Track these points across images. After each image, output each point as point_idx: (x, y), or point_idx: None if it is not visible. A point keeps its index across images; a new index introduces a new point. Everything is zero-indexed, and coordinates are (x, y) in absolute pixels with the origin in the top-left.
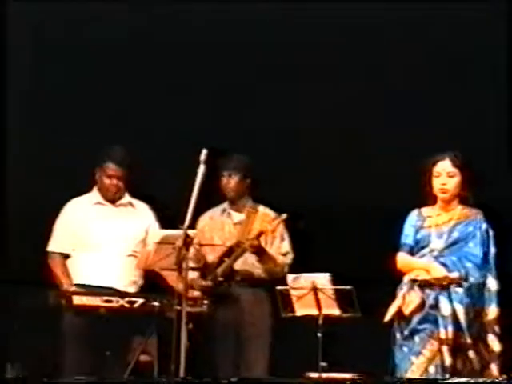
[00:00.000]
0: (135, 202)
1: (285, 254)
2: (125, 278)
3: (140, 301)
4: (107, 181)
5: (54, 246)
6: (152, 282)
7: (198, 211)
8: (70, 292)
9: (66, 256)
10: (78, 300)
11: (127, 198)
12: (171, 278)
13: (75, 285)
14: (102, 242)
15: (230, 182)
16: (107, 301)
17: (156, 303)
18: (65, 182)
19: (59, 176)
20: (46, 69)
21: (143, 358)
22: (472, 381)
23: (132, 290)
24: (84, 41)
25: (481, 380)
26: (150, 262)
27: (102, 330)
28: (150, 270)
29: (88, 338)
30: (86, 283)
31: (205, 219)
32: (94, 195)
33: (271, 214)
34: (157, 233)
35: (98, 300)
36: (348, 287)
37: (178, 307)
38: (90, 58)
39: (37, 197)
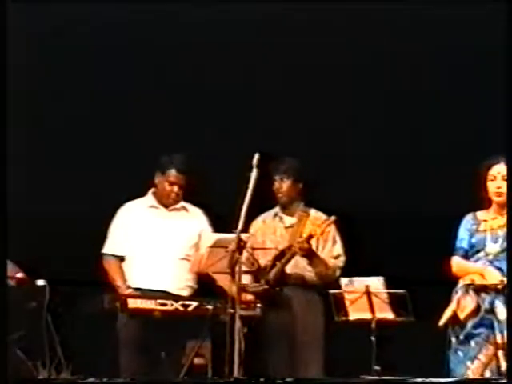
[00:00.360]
0: (188, 206)
1: (336, 257)
2: (178, 281)
3: (194, 304)
4: (168, 187)
5: (109, 248)
6: (205, 286)
7: (251, 215)
8: (125, 295)
9: (121, 258)
10: (132, 303)
11: (181, 202)
12: (224, 281)
13: (130, 288)
14: (155, 245)
15: (282, 186)
16: (162, 304)
17: (210, 306)
18: (120, 184)
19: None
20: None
21: (197, 360)
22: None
23: (185, 293)
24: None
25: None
26: (203, 266)
27: (156, 333)
28: (203, 273)
29: (142, 341)
30: (140, 286)
31: (257, 223)
32: (149, 199)
33: (322, 216)
34: (210, 236)
35: (153, 303)
36: (402, 291)
37: (232, 310)
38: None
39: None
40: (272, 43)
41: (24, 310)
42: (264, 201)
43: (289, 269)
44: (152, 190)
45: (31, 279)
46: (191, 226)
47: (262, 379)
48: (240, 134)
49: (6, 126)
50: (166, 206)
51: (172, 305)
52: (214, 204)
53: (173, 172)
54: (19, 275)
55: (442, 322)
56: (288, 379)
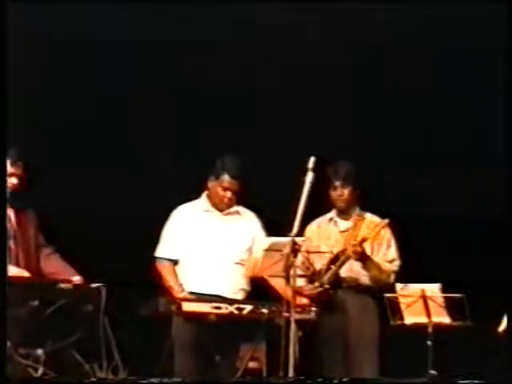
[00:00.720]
0: (242, 210)
1: (391, 261)
2: (232, 285)
3: (249, 307)
4: (222, 192)
5: (162, 251)
6: (259, 289)
7: (306, 219)
8: (180, 298)
9: (175, 262)
10: (188, 306)
11: (235, 206)
12: (279, 285)
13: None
14: (209, 249)
15: (344, 192)
16: (217, 307)
17: (265, 310)
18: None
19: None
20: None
21: (252, 364)
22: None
23: (239, 297)
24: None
25: None
26: (258, 269)
27: (211, 336)
28: (257, 277)
29: (197, 343)
30: (196, 291)
31: (312, 228)
32: (203, 202)
33: (377, 220)
34: (264, 240)
35: (208, 306)
36: (459, 295)
37: (287, 314)
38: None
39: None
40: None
41: (81, 312)
42: (318, 204)
43: (343, 272)
44: (206, 192)
45: (88, 282)
46: (245, 230)
47: (319, 379)
48: (293, 136)
49: (6, 126)
50: (221, 210)
51: (227, 308)
52: (267, 208)
53: (226, 177)
54: (76, 278)
55: (501, 327)
56: (344, 379)
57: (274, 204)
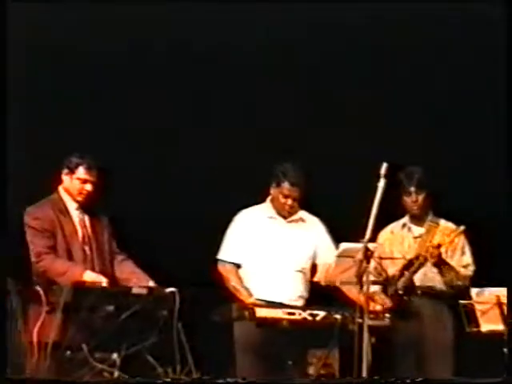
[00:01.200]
0: (306, 216)
1: (466, 266)
2: (292, 292)
3: (322, 314)
4: (283, 200)
5: (225, 254)
6: (325, 295)
7: (378, 224)
8: (252, 304)
9: (237, 265)
10: (260, 312)
11: (299, 213)
12: (351, 291)
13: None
14: (272, 256)
15: (417, 198)
16: (290, 313)
17: (338, 316)
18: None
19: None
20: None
21: (324, 370)
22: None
23: (299, 304)
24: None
25: None
26: (330, 275)
27: (283, 341)
28: (330, 283)
29: (269, 348)
30: (257, 297)
31: (386, 233)
32: (268, 208)
33: (451, 226)
34: (328, 242)
35: (281, 312)
36: None
37: (360, 320)
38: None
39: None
40: None
41: (155, 317)
42: (390, 210)
43: (417, 278)
44: (269, 198)
45: (161, 287)
46: (309, 237)
47: (392, 379)
48: (363, 142)
49: (7, 126)
50: (284, 217)
51: (300, 314)
52: (334, 213)
53: (286, 185)
54: (149, 284)
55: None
56: (417, 379)
57: (343, 210)
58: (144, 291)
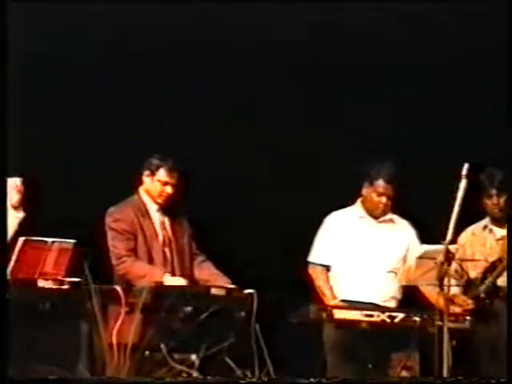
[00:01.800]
0: (396, 218)
1: None
2: (384, 293)
3: (401, 316)
4: (376, 198)
5: (315, 257)
6: (411, 297)
7: (458, 226)
8: (331, 306)
9: (328, 268)
10: (339, 314)
11: (389, 214)
12: (432, 293)
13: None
14: (364, 256)
15: (499, 201)
16: (368, 315)
17: (417, 318)
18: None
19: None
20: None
21: (405, 373)
22: None
23: (391, 305)
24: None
25: None
26: (411, 277)
27: (362, 343)
28: (410, 284)
29: (348, 350)
30: (347, 298)
31: (467, 235)
32: (358, 209)
33: None
34: (418, 248)
35: (359, 314)
36: None
37: (440, 323)
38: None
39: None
40: None
41: (233, 318)
42: (470, 211)
43: (501, 281)
44: (360, 199)
45: (240, 288)
46: (399, 238)
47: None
48: (441, 143)
49: (7, 126)
50: (375, 218)
51: (378, 316)
52: (419, 215)
53: (381, 183)
54: (228, 285)
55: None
56: (502, 379)
57: (423, 211)
58: (222, 292)
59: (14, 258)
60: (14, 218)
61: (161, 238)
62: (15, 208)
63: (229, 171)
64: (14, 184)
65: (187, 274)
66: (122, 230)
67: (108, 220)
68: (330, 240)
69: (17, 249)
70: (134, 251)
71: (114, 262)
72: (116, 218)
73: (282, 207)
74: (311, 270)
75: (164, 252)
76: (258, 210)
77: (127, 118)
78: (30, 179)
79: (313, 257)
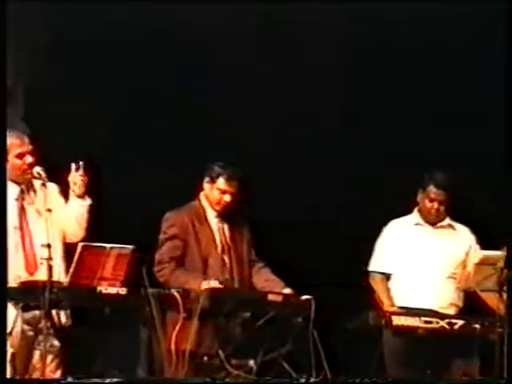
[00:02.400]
0: (455, 224)
1: None
2: (444, 299)
3: (460, 322)
4: (429, 204)
5: (375, 265)
6: (471, 304)
7: None
8: (389, 312)
9: (387, 276)
10: (397, 320)
11: (447, 220)
12: (492, 299)
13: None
14: (422, 263)
15: None
16: (427, 322)
17: (477, 325)
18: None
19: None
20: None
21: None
22: None
23: (451, 312)
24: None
25: None
26: (470, 283)
27: (421, 350)
28: (469, 290)
29: (407, 357)
30: (406, 304)
31: None
32: (415, 216)
33: None
34: (477, 253)
35: (418, 321)
36: None
37: (500, 329)
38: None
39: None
40: None
41: (290, 324)
42: None
43: None
44: (417, 207)
45: (297, 294)
46: (458, 244)
47: None
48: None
49: (6, 126)
50: (432, 224)
51: (437, 323)
52: (477, 220)
53: (432, 188)
54: (286, 290)
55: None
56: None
57: (482, 217)
58: (279, 298)
59: (73, 263)
60: (79, 206)
61: (219, 244)
62: (79, 196)
63: (291, 177)
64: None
65: (245, 280)
66: (172, 236)
67: (163, 224)
68: (388, 248)
69: (76, 254)
70: (177, 259)
71: (154, 267)
72: (170, 223)
73: (342, 214)
74: (371, 278)
75: (222, 258)
76: (317, 217)
77: (195, 121)
78: (91, 166)
79: (372, 265)
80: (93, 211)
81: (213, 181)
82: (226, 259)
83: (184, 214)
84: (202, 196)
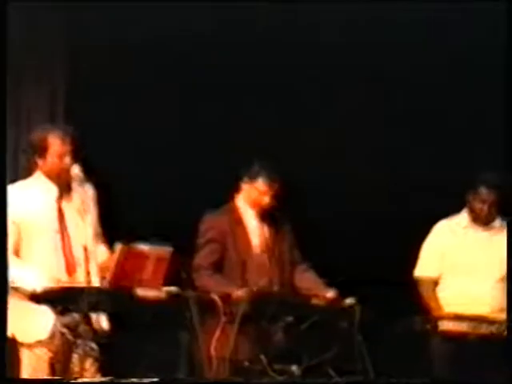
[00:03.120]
0: (506, 225)
1: None
2: (494, 304)
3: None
4: (479, 205)
5: (422, 269)
6: None
7: None
8: (436, 317)
9: (435, 280)
10: (444, 325)
11: (498, 221)
12: None
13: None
14: (471, 266)
15: None
16: (475, 327)
17: None
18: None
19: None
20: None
21: None
22: None
23: (502, 316)
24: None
25: None
26: None
27: (470, 356)
28: None
29: (455, 363)
30: (455, 310)
31: None
32: (464, 218)
33: None
34: None
35: (466, 326)
36: None
37: None
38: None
39: None
40: None
41: (335, 329)
42: None
43: None
44: (467, 208)
45: (342, 298)
46: (509, 246)
47: None
48: None
49: (6, 127)
50: (483, 226)
51: (487, 328)
52: None
53: (482, 190)
54: (329, 294)
55: None
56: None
57: None
58: (323, 302)
59: (112, 266)
60: None
61: (258, 246)
62: None
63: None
64: None
65: (286, 283)
66: (210, 239)
67: (200, 227)
68: (436, 251)
69: (115, 257)
70: (216, 264)
71: (192, 272)
72: (208, 225)
73: (388, 214)
74: (417, 281)
75: (261, 262)
76: (362, 216)
77: (233, 123)
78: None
79: (419, 268)
80: None
81: (251, 181)
82: (265, 262)
83: (221, 217)
84: (240, 197)
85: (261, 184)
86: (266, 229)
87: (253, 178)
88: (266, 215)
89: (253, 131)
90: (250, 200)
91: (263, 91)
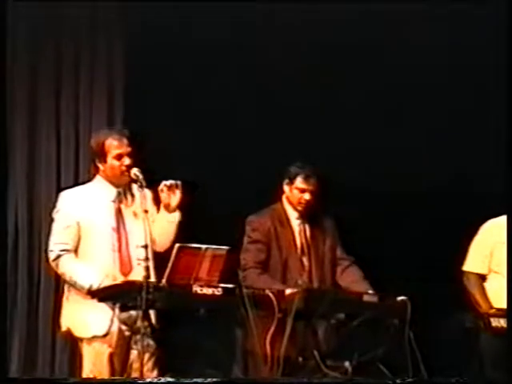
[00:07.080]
0: None
1: None
2: None
3: None
4: None
5: (469, 265)
6: None
7: None
8: (488, 314)
9: (483, 276)
10: (496, 322)
11: None
12: None
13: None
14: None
15: None
16: None
17: None
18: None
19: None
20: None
21: None
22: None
23: None
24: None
25: None
26: None
27: None
28: None
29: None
30: (504, 306)
31: None
32: None
33: None
34: None
35: None
36: None
37: None
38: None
39: None
40: None
41: (386, 326)
42: None
43: None
44: None
45: (393, 295)
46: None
47: None
48: None
49: (6, 127)
50: None
51: None
52: None
53: None
54: (370, 291)
55: None
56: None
57: None
58: (375, 299)
59: (170, 264)
60: (167, 222)
61: (299, 246)
62: (169, 210)
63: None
64: (172, 185)
65: (327, 281)
66: (256, 240)
67: (246, 228)
68: (484, 248)
69: (172, 255)
70: (263, 263)
71: (240, 272)
72: (253, 226)
73: (433, 211)
74: (465, 279)
75: (301, 261)
76: (408, 214)
77: (277, 125)
78: (191, 183)
79: (468, 265)
80: (181, 226)
81: (291, 181)
82: (305, 261)
83: (266, 218)
84: (283, 198)
85: (299, 182)
86: (308, 229)
87: (292, 179)
88: (308, 214)
89: (292, 133)
90: (292, 200)
91: (303, 93)
